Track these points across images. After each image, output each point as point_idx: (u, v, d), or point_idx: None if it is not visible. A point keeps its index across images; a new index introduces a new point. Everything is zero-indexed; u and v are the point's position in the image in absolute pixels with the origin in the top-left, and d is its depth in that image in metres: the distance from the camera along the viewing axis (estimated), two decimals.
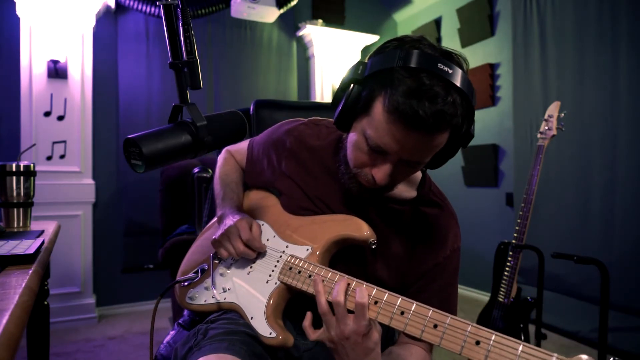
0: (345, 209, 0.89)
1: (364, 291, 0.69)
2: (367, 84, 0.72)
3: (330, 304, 0.72)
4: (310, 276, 0.79)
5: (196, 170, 1.92)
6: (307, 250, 0.84)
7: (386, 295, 0.70)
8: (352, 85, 0.74)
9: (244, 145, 1.11)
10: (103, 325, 2.89)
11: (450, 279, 0.89)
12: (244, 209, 1.00)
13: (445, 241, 0.88)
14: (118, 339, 2.63)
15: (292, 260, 0.83)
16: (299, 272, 0.81)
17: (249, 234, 0.85)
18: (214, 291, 0.89)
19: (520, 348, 0.56)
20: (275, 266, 0.85)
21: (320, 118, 1.02)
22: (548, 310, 2.24)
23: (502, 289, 1.97)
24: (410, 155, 0.71)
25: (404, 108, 0.65)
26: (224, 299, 0.87)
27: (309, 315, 0.75)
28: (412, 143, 0.69)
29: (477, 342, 0.59)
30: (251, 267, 0.89)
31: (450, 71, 0.66)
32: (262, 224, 0.94)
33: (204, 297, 0.91)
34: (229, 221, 0.88)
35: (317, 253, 0.83)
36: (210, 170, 1.89)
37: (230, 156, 1.12)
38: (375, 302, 0.70)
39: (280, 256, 0.86)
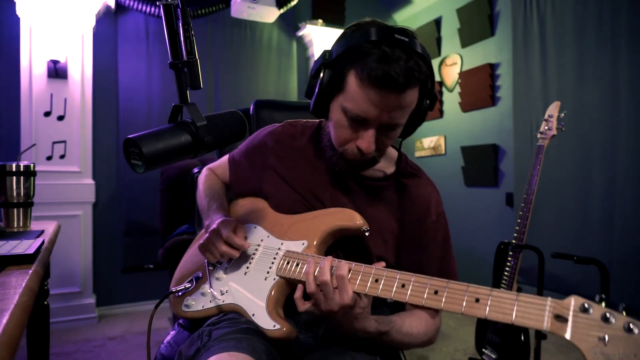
0: (333, 196, 0.92)
1: (344, 265, 0.73)
2: (336, 65, 0.80)
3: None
4: None
5: (196, 170, 1.92)
6: (303, 244, 0.86)
7: (386, 272, 0.72)
8: (322, 70, 0.81)
9: (223, 160, 1.14)
10: (103, 325, 2.89)
11: (444, 244, 0.93)
12: (233, 217, 1.01)
13: (429, 207, 0.93)
14: (118, 339, 2.63)
15: (289, 255, 0.84)
16: (297, 264, 0.82)
17: (228, 232, 0.86)
18: (214, 293, 0.89)
19: (517, 297, 0.59)
20: (272, 263, 0.86)
21: (295, 119, 1.07)
22: None
23: (502, 289, 1.97)
24: (389, 117, 0.78)
25: (376, 73, 0.73)
26: (223, 301, 0.87)
27: (299, 287, 0.78)
28: (389, 104, 0.76)
29: (477, 300, 0.63)
30: (247, 268, 0.89)
31: (407, 39, 0.76)
32: (255, 227, 0.95)
33: (202, 303, 0.91)
34: (213, 225, 0.89)
35: (314, 244, 0.84)
36: None
37: (211, 172, 1.15)
38: (376, 280, 0.72)
39: (277, 253, 0.87)
